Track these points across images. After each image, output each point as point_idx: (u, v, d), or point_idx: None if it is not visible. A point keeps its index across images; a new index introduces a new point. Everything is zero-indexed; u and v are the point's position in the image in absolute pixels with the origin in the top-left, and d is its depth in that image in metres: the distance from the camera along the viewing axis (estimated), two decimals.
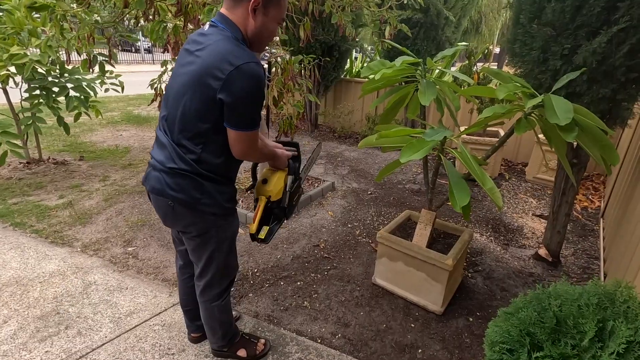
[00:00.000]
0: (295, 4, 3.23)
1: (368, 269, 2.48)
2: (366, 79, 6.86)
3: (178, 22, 1.93)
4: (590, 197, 3.79)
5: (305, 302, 2.14)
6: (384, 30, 2.95)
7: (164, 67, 2.40)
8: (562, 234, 2.57)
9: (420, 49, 4.27)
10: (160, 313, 1.98)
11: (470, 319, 2.04)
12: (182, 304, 1.71)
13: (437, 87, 1.94)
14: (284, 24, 3.38)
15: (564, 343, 0.97)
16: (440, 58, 2.14)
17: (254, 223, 1.40)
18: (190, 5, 1.78)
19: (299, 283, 2.31)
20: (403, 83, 2.39)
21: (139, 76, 14.12)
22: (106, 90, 4.17)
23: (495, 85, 2.78)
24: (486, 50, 3.56)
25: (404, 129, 1.61)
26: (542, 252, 2.69)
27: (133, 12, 2.76)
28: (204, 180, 1.28)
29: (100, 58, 3.48)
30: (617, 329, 0.89)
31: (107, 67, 3.75)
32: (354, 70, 6.81)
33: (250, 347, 1.72)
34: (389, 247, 2.16)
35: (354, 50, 6.79)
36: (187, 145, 1.24)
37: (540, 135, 4.23)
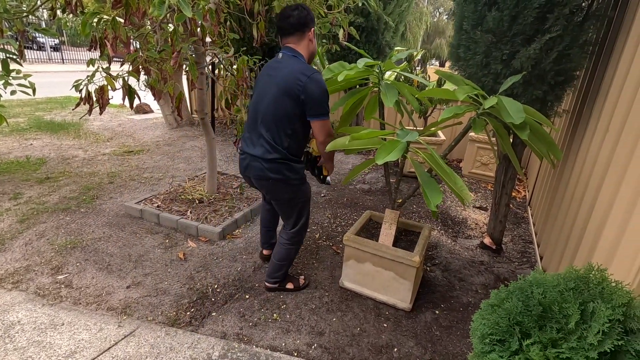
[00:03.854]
0: (239, 3, 3.09)
1: (333, 272, 2.45)
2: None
3: (117, 15, 1.69)
4: (516, 188, 4.24)
5: (275, 315, 2.03)
6: (334, 33, 2.95)
7: (96, 67, 2.09)
8: (503, 223, 2.82)
9: None
10: (109, 348, 1.72)
11: (437, 312, 2.12)
12: (265, 225, 2.39)
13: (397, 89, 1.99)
14: (228, 23, 3.22)
15: (549, 328, 1.04)
16: (396, 61, 2.21)
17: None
18: None
19: (265, 295, 2.19)
20: (358, 86, 2.42)
21: (47, 77, 12.45)
22: (13, 92, 3.55)
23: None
24: (425, 54, 3.77)
25: (375, 131, 1.61)
26: (487, 240, 2.92)
27: (49, 2, 2.39)
28: (291, 163, 1.84)
29: (1, 55, 2.95)
30: (597, 309, 0.97)
31: (13, 66, 3.20)
32: None
33: (295, 281, 2.24)
34: (356, 249, 2.15)
35: None
36: (280, 138, 1.78)
37: (471, 134, 4.57)
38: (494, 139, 2.77)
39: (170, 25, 2.47)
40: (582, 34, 2.02)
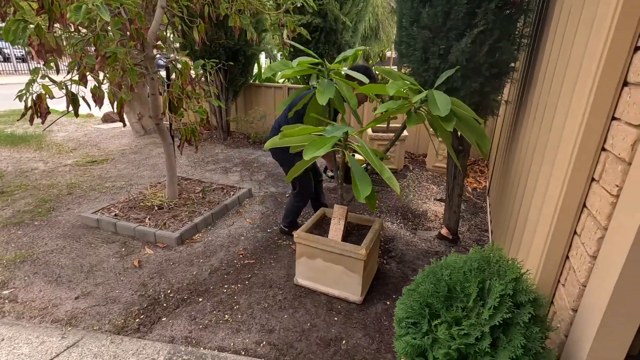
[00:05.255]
0: (190, 6, 3.09)
1: (290, 271, 2.47)
2: (277, 83, 6.86)
3: (41, 21, 1.66)
4: (478, 179, 4.36)
5: (227, 316, 2.03)
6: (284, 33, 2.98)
7: (35, 76, 2.05)
8: (457, 213, 2.90)
9: (322, 52, 4.44)
10: None
11: (388, 303, 2.17)
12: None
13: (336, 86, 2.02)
14: (180, 27, 3.20)
15: (455, 307, 1.08)
16: (342, 59, 2.25)
17: None
18: (54, 2, 1.53)
19: (219, 297, 2.19)
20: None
21: (12, 89, 12.01)
22: None
23: None
24: (381, 53, 3.85)
25: (307, 128, 1.64)
26: (444, 231, 3.00)
27: None
28: None
29: None
30: (492, 286, 1.02)
31: None
32: (262, 75, 6.78)
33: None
34: (307, 245, 2.18)
35: (262, 55, 6.76)
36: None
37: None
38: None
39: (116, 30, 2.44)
40: (511, 27, 2.11)
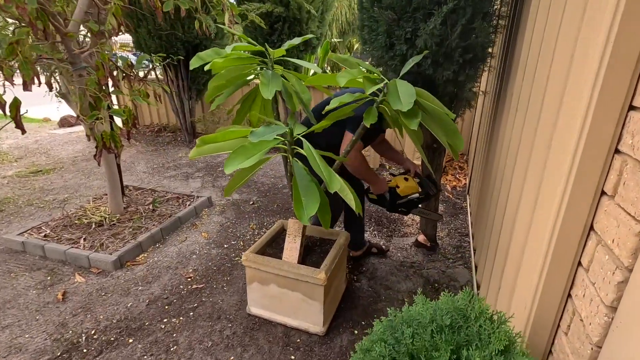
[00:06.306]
0: None
1: (244, 296, 2.12)
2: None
3: None
4: (457, 176, 4.10)
5: None
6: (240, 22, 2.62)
7: None
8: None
9: None
10: None
11: (356, 332, 1.85)
12: None
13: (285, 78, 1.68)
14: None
15: None
16: (289, 46, 1.91)
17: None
18: None
19: (154, 336, 1.82)
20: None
21: None
22: None
23: None
24: (349, 44, 3.52)
25: (238, 130, 1.30)
26: (421, 238, 2.70)
27: None
28: None
29: None
30: (471, 358, 0.70)
31: None
32: (190, 66, 6.35)
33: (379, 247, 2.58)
34: (257, 269, 1.83)
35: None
36: None
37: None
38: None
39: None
40: (484, 4, 1.81)
